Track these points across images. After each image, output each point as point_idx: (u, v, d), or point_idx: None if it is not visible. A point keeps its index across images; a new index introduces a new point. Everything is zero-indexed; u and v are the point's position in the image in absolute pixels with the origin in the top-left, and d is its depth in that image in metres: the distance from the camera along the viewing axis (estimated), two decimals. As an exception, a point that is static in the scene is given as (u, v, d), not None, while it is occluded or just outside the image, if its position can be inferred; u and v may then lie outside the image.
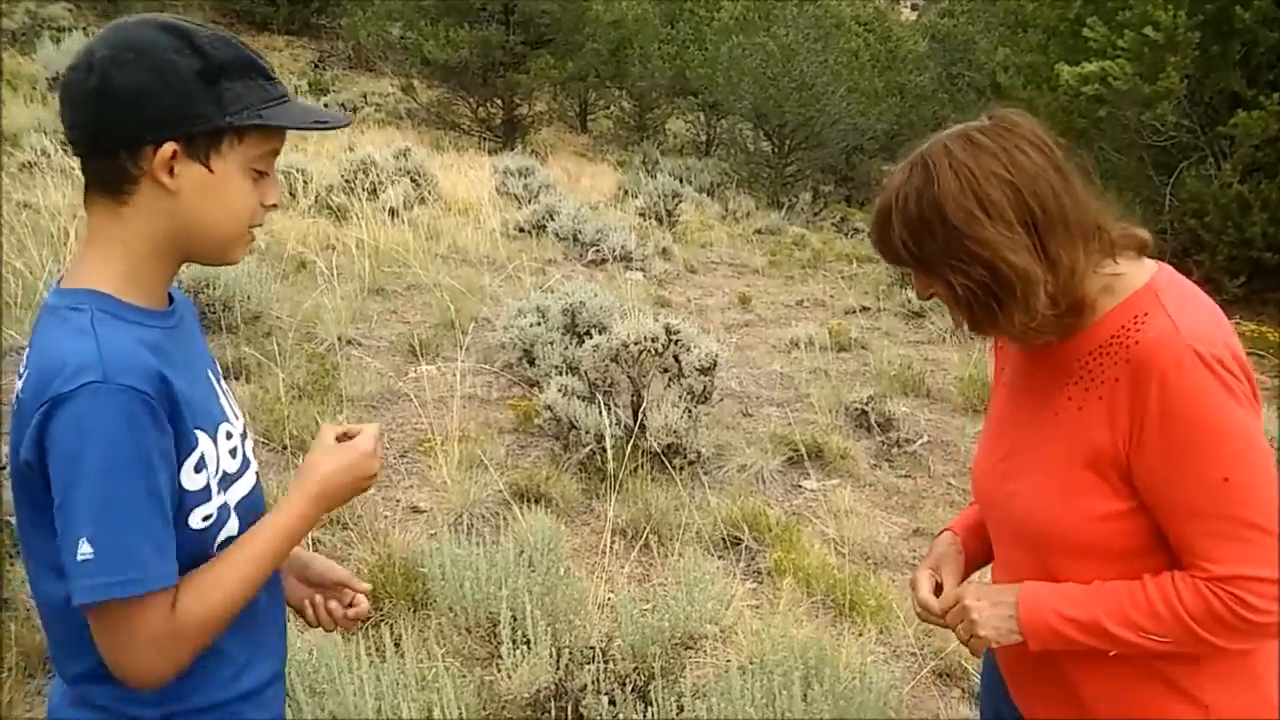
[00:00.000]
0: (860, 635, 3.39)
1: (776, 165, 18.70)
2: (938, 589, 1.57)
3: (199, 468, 1.21)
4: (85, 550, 1.09)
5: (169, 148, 1.17)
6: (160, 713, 1.24)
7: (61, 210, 7.08)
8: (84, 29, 17.02)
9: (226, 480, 1.27)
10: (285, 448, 4.42)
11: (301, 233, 8.33)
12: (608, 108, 24.56)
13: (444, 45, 18.16)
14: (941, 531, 1.70)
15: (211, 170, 1.21)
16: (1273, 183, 8.40)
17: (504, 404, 5.52)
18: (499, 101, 20.15)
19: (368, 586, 1.55)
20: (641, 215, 12.39)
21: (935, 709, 3.13)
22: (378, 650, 2.27)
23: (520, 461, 4.79)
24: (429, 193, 11.07)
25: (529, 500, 4.20)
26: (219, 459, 1.25)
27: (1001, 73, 11.39)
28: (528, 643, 2.11)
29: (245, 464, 1.33)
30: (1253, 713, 1.39)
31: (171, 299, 1.31)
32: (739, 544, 4.10)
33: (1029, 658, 1.46)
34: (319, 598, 1.51)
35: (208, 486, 1.22)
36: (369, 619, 3.17)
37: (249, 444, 1.37)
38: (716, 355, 5.10)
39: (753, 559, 4.04)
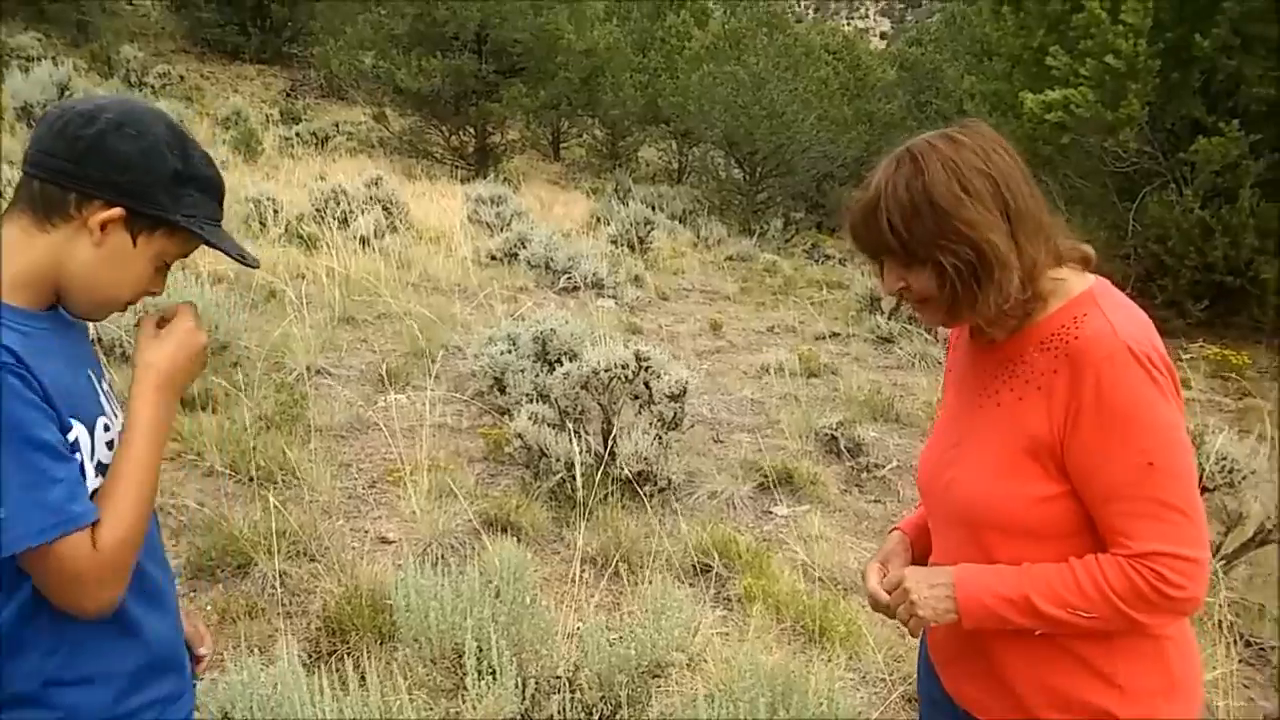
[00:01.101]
0: (829, 661, 3.39)
1: (748, 192, 18.85)
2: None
3: (72, 450, 1.29)
4: None
5: (118, 210, 1.33)
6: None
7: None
8: (53, 58, 16.92)
9: (103, 469, 1.35)
10: (252, 479, 4.38)
11: (271, 262, 8.28)
12: (580, 136, 24.67)
13: (416, 74, 18.21)
14: (891, 530, 1.79)
15: (135, 245, 1.36)
16: (1234, 208, 8.55)
17: (474, 432, 5.50)
18: (471, 130, 20.22)
19: (205, 652, 1.68)
20: (614, 243, 12.43)
21: (904, 734, 3.14)
22: (342, 684, 2.25)
23: (490, 490, 4.77)
24: (400, 221, 11.05)
25: (499, 529, 4.18)
26: (94, 449, 1.34)
27: (968, 100, 11.55)
28: (493, 673, 2.10)
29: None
30: (1162, 692, 1.48)
31: (55, 304, 1.40)
32: (709, 571, 4.10)
33: (956, 639, 1.56)
34: None
35: (81, 470, 1.30)
36: (334, 652, 3.15)
37: None
38: (686, 382, 5.11)
39: (723, 586, 4.04)
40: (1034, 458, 1.44)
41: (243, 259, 1.45)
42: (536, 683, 2.23)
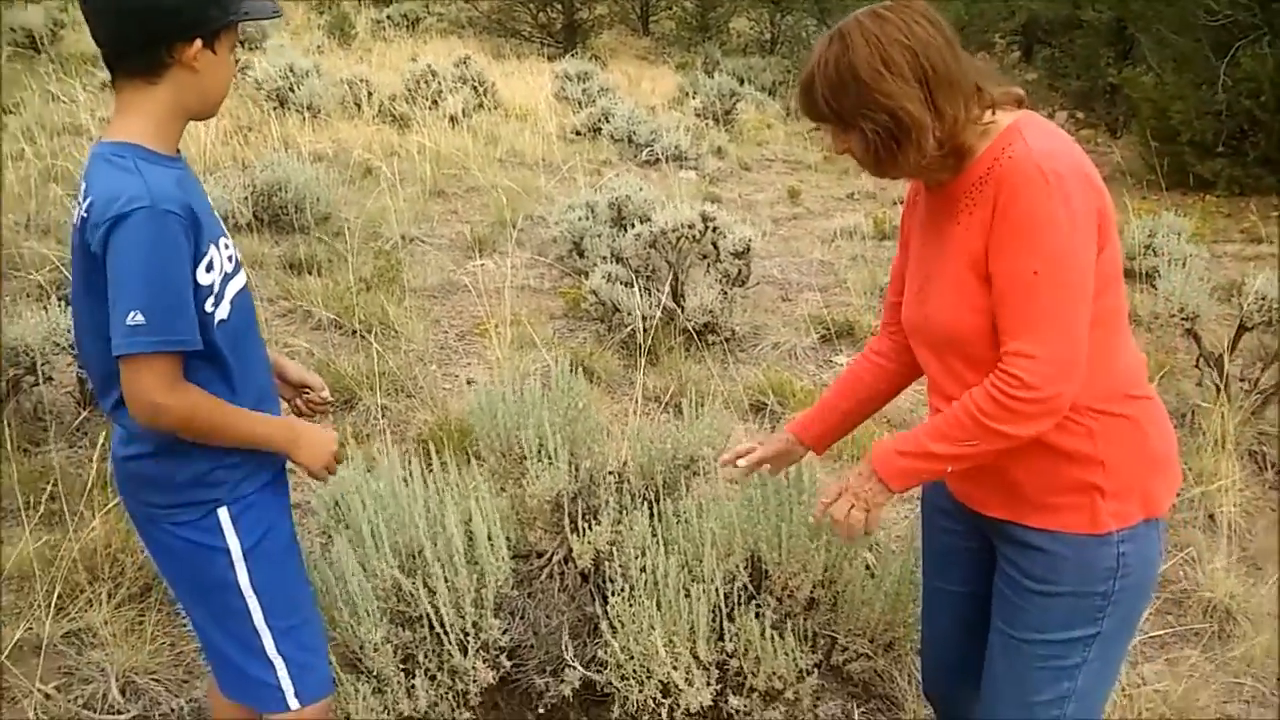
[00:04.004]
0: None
1: (839, 61, 18.44)
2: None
3: (209, 268, 1.67)
4: (138, 319, 1.54)
5: (198, 44, 1.63)
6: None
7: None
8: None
9: (226, 278, 1.72)
10: (355, 331, 4.90)
11: (367, 140, 8.75)
12: (669, 8, 24.28)
13: (502, -49, 18.20)
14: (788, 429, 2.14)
15: (215, 54, 1.66)
16: (1333, 59, 8.26)
17: (554, 292, 5.93)
18: (559, 6, 20.18)
19: (321, 381, 2.11)
20: (699, 116, 12.50)
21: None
22: (432, 480, 2.69)
23: (568, 342, 5.21)
24: (488, 100, 11.37)
25: (574, 373, 4.60)
26: (221, 263, 1.71)
27: (1061, -45, 11.18)
28: (550, 461, 2.53)
29: (237, 266, 1.79)
30: (1142, 465, 1.72)
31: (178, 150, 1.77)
32: (765, 408, 4.47)
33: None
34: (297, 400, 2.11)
35: (213, 283, 1.68)
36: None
37: (237, 251, 1.84)
38: (750, 240, 5.40)
39: (777, 421, 4.41)
40: (976, 273, 1.65)
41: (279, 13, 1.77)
42: (591, 473, 2.65)
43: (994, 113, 1.67)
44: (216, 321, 1.69)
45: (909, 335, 1.92)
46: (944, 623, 2.10)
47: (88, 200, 1.61)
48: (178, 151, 1.75)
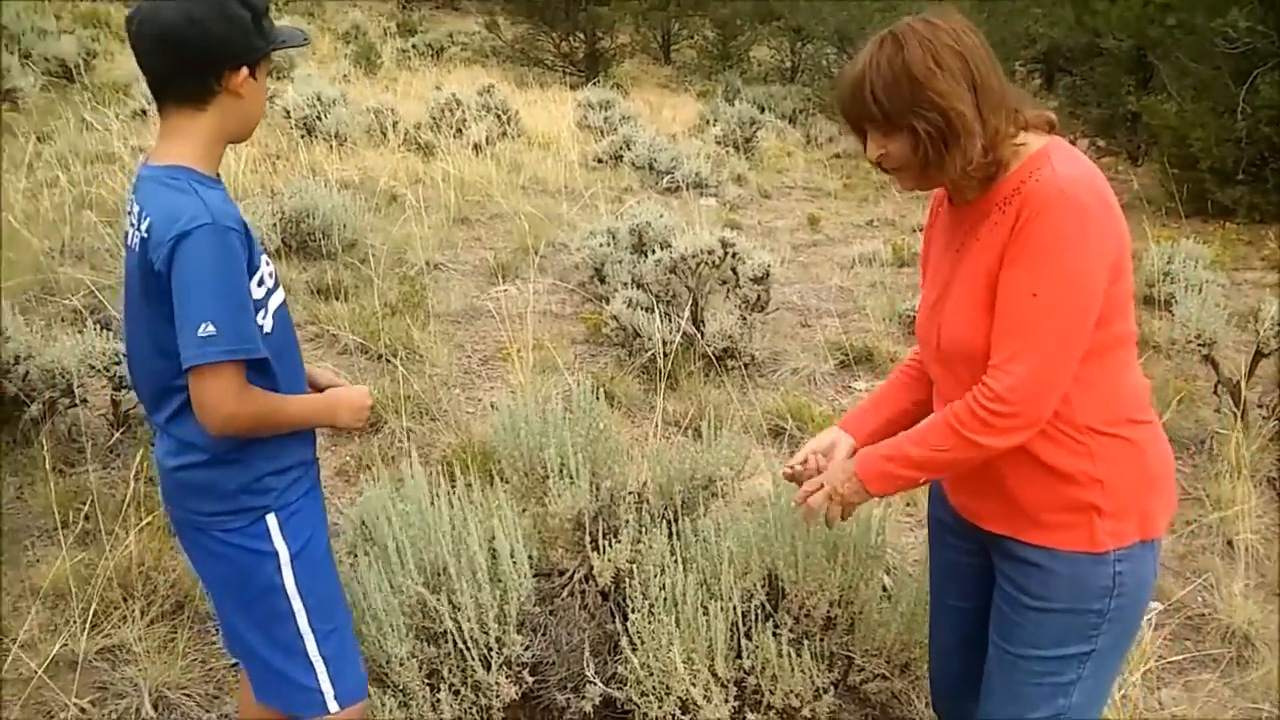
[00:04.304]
0: (889, 506, 3.76)
1: (859, 89, 18.54)
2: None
3: (260, 283, 1.77)
4: (209, 329, 1.63)
5: (244, 71, 1.75)
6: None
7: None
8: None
9: (269, 293, 1.83)
10: (380, 356, 4.99)
11: (392, 168, 8.89)
12: (691, 37, 24.50)
13: (526, -20, 18.45)
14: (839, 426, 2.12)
15: (255, 79, 1.78)
16: (1352, 87, 8.26)
17: (576, 318, 6.00)
18: (581, 35, 20.42)
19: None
20: (720, 143, 12.60)
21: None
22: (454, 494, 2.76)
23: (589, 366, 5.28)
24: (511, 128, 11.52)
25: (595, 397, 4.67)
26: (265, 278, 1.81)
27: (1078, -18, 11.21)
28: (571, 480, 2.59)
29: (277, 282, 1.89)
30: (1140, 485, 1.75)
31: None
32: (784, 433, 4.52)
33: (971, 471, 1.82)
34: None
35: (262, 297, 1.79)
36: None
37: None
38: (769, 265, 5.46)
39: (796, 446, 4.45)
40: (991, 289, 1.67)
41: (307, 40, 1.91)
42: (612, 493, 2.71)
43: (1026, 133, 1.72)
44: (263, 333, 1.78)
45: (920, 346, 1.97)
46: (948, 637, 2.15)
47: (146, 221, 1.70)
48: (218, 175, 1.84)
